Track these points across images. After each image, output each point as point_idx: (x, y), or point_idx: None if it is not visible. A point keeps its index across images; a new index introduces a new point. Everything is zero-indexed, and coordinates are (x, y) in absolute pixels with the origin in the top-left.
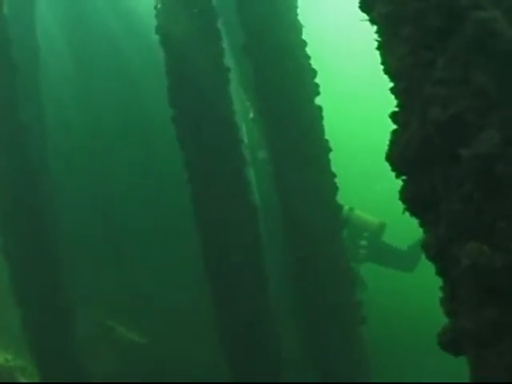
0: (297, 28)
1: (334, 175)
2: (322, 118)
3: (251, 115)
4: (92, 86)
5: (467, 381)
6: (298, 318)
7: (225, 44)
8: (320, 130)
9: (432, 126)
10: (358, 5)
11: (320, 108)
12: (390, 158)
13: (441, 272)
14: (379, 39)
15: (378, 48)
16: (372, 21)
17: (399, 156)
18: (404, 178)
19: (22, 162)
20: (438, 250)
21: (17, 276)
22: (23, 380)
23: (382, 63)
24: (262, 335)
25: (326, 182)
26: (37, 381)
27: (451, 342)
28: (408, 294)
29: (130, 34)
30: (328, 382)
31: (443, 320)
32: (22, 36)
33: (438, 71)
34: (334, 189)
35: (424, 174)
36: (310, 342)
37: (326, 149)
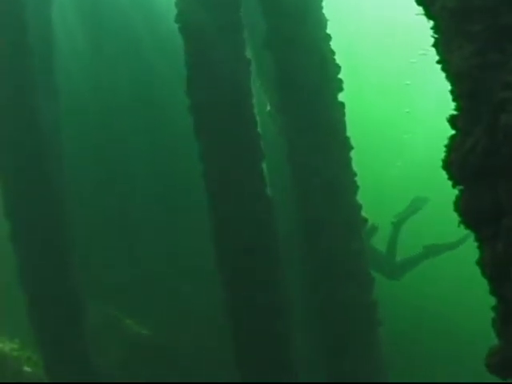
0: (321, 21)
1: (355, 174)
2: (344, 114)
3: (268, 108)
4: (107, 75)
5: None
6: (313, 316)
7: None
8: (342, 127)
9: (502, 134)
10: None
11: (343, 104)
12: (448, 165)
13: (495, 292)
14: (437, 36)
15: (435, 45)
16: (429, 16)
17: (459, 164)
18: (461, 187)
19: (34, 148)
20: (494, 268)
21: (25, 266)
22: (28, 370)
23: (440, 62)
24: (275, 333)
25: (346, 180)
26: (42, 371)
27: (501, 365)
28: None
29: (148, 22)
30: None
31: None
32: (38, 22)
33: (510, 74)
34: (354, 187)
35: (486, 185)
36: (323, 343)
37: (347, 146)
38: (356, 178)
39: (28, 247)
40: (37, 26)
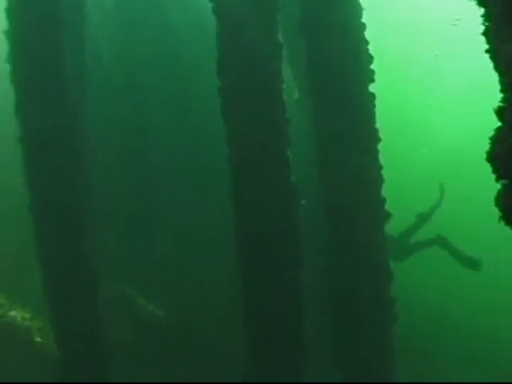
0: (357, 10)
1: (381, 167)
2: (374, 105)
3: (296, 95)
4: (134, 44)
5: None
6: (330, 308)
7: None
8: (371, 118)
9: None
10: None
11: (373, 95)
12: (492, 158)
13: None
14: (487, 24)
15: (485, 34)
16: (480, 3)
17: (504, 157)
18: (504, 181)
19: (61, 118)
20: None
21: (42, 237)
22: (39, 340)
23: (489, 51)
24: (287, 323)
25: (372, 172)
26: (52, 341)
27: None
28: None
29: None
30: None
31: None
32: None
33: None
34: (380, 181)
35: None
36: (337, 335)
37: (375, 138)
38: (382, 171)
39: (46, 217)
40: None
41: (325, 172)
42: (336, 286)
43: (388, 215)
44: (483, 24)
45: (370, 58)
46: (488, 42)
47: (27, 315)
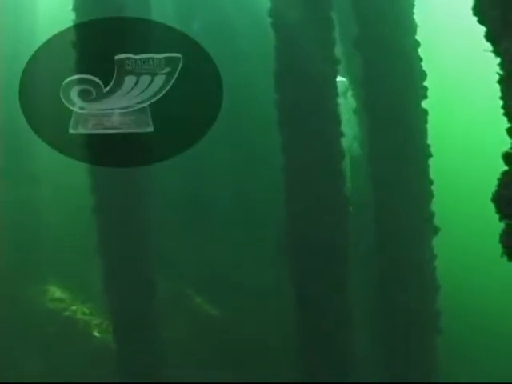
0: (412, 27)
1: (432, 182)
2: (426, 121)
3: (354, 106)
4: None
5: None
6: (376, 319)
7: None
8: (423, 133)
9: None
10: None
11: (426, 112)
12: (496, 199)
13: None
14: (501, 72)
15: (500, 82)
16: (496, 53)
17: (507, 201)
18: (507, 222)
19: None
20: None
21: (104, 235)
22: (97, 335)
23: (502, 98)
24: (338, 331)
25: (422, 187)
26: (110, 337)
27: None
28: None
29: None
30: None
31: None
32: None
33: None
34: (430, 196)
35: None
36: (382, 346)
37: (426, 154)
38: (432, 186)
39: (109, 220)
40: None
41: (376, 183)
42: (380, 295)
43: (436, 230)
44: (498, 73)
45: (424, 75)
46: (501, 90)
47: (87, 310)
